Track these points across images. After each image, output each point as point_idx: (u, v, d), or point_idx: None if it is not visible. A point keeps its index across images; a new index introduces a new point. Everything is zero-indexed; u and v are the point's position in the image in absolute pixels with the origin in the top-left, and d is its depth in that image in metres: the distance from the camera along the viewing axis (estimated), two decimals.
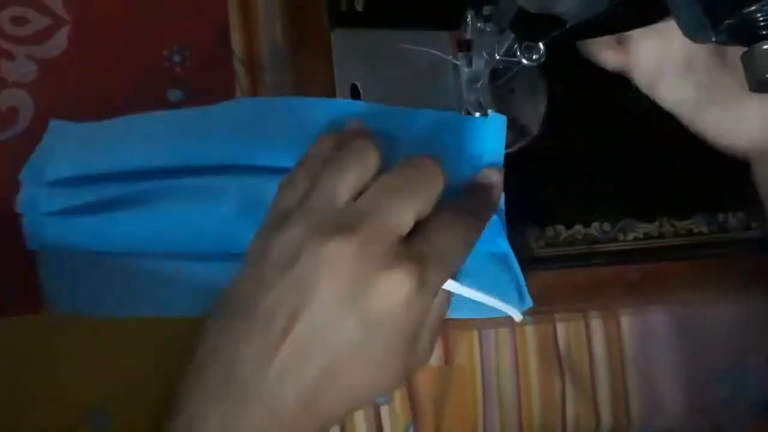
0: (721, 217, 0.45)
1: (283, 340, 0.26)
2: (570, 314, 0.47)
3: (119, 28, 0.48)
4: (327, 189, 0.28)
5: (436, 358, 0.47)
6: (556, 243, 0.43)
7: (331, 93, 0.42)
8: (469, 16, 0.38)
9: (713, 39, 0.24)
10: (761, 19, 0.22)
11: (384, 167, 0.29)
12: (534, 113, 0.44)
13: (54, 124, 0.35)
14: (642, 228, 0.44)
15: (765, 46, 0.22)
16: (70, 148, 0.34)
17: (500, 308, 0.32)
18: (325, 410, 0.28)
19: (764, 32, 0.22)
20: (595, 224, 0.43)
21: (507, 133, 0.42)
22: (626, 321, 0.49)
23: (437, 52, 0.41)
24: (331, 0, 0.42)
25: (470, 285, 0.30)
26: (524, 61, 0.33)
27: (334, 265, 0.26)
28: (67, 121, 0.35)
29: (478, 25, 0.38)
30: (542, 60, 0.33)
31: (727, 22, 0.22)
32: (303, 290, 0.26)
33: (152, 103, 0.48)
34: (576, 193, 0.44)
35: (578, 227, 0.43)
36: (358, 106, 0.35)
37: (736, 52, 0.25)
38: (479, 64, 0.40)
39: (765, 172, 0.37)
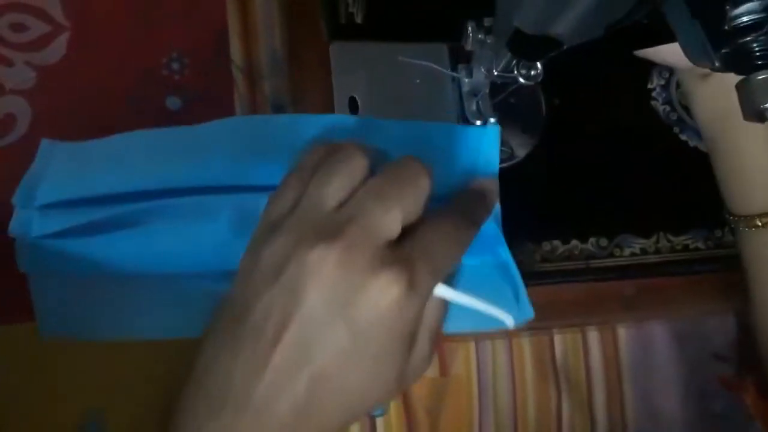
0: (717, 232, 0.45)
1: (272, 350, 0.26)
2: (564, 328, 0.47)
3: (118, 36, 0.48)
4: (313, 197, 0.28)
5: (432, 370, 0.47)
6: (552, 258, 0.43)
7: (329, 101, 0.42)
8: (470, 28, 0.38)
9: (715, 64, 0.24)
10: (757, 49, 0.22)
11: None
12: (532, 128, 0.44)
13: (45, 143, 0.35)
14: (639, 243, 0.44)
15: (761, 77, 0.22)
16: (62, 170, 0.34)
17: (495, 314, 0.31)
18: (319, 421, 0.27)
19: (760, 62, 0.22)
20: (592, 239, 0.43)
21: (504, 147, 0.43)
22: (623, 333, 0.49)
23: (436, 66, 0.41)
24: (330, 12, 0.42)
25: (465, 292, 0.30)
26: (521, 79, 0.33)
27: (319, 272, 0.26)
28: (58, 140, 0.35)
29: (479, 36, 0.37)
30: (539, 79, 0.33)
31: (724, 51, 0.22)
32: (290, 299, 0.26)
33: (151, 110, 0.48)
34: (573, 208, 0.44)
35: (575, 242, 0.43)
36: (351, 120, 0.35)
37: None
38: (479, 75, 0.39)
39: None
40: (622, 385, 0.49)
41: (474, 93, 0.39)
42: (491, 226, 0.33)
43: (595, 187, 0.44)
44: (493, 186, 0.34)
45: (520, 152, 0.43)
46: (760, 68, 0.22)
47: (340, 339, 0.26)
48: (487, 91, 0.37)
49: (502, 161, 0.42)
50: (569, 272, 0.43)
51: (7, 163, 0.44)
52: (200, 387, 0.27)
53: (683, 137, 0.47)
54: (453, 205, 0.31)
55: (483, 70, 0.37)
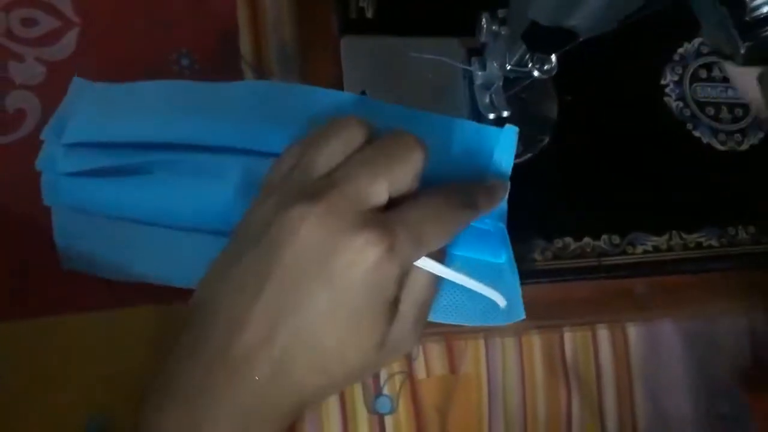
0: (731, 230, 0.44)
1: (251, 308, 0.26)
2: (575, 326, 0.47)
3: (128, 32, 0.48)
4: (305, 163, 0.28)
5: (441, 367, 0.46)
6: (564, 255, 0.42)
7: None
8: (484, 19, 0.37)
9: (741, 52, 0.23)
10: None
11: None
12: (544, 123, 0.43)
13: (77, 81, 0.37)
14: (651, 241, 0.43)
15: None
16: (88, 111, 0.35)
17: (484, 293, 0.31)
18: (295, 381, 0.27)
19: None
20: (604, 236, 0.43)
21: (517, 144, 0.42)
22: (633, 332, 0.48)
23: (449, 60, 0.40)
24: (341, 7, 0.42)
25: (455, 270, 0.29)
26: (536, 73, 0.32)
27: (298, 231, 0.26)
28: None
29: (493, 27, 0.37)
30: (554, 72, 0.33)
31: (747, 44, 0.22)
32: (269, 258, 0.26)
33: None
34: (585, 204, 0.43)
35: (587, 239, 0.43)
36: (367, 102, 0.35)
37: None
38: (492, 68, 0.39)
39: None
40: (632, 384, 0.49)
41: (487, 86, 0.39)
42: (497, 225, 0.33)
43: (607, 184, 0.44)
44: (503, 181, 0.34)
45: (532, 148, 0.43)
46: None
47: (316, 297, 0.26)
48: (501, 84, 0.37)
49: (514, 157, 0.42)
50: (581, 269, 0.42)
51: (18, 157, 0.43)
52: (178, 343, 0.28)
53: (696, 134, 0.46)
54: (451, 185, 0.31)
55: (496, 64, 0.37)
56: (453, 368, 0.47)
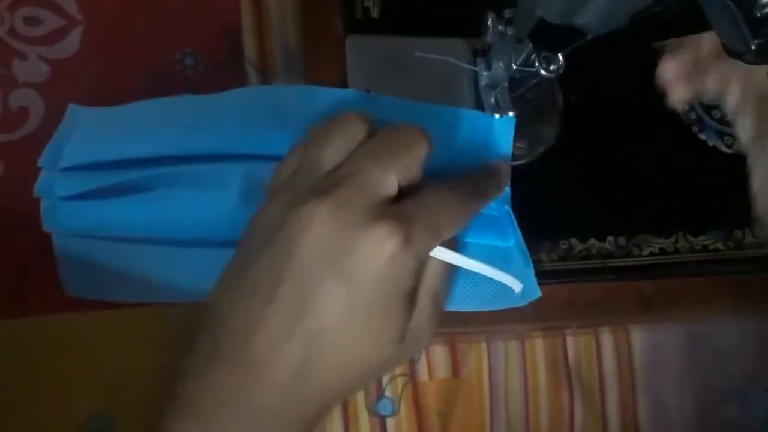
0: (738, 233, 0.44)
1: (265, 308, 0.26)
2: (580, 328, 0.47)
3: (131, 31, 0.48)
4: (310, 161, 0.28)
5: (443, 371, 0.46)
6: (569, 257, 0.42)
7: None
8: (490, 19, 0.37)
9: (752, 48, 0.23)
10: None
11: None
12: (549, 124, 0.43)
13: (71, 108, 0.37)
14: (657, 243, 0.43)
15: None
16: (85, 134, 0.35)
17: (499, 279, 0.31)
18: (316, 382, 0.27)
19: None
20: (610, 238, 0.43)
21: (521, 144, 0.42)
22: (637, 336, 0.48)
23: (454, 60, 0.40)
24: (346, 6, 0.42)
25: (468, 256, 0.29)
26: (543, 72, 0.32)
27: (310, 228, 0.25)
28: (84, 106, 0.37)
29: (499, 27, 0.37)
30: (561, 71, 0.32)
31: (757, 41, 0.22)
32: (283, 257, 0.26)
33: None
34: (591, 206, 0.43)
35: (592, 241, 0.42)
36: (367, 97, 0.35)
37: None
38: (498, 68, 0.39)
39: None
40: (635, 388, 0.48)
41: (492, 86, 0.39)
42: (502, 209, 0.33)
43: (613, 186, 0.43)
44: (504, 166, 0.34)
45: (538, 149, 0.43)
46: None
47: (333, 294, 0.25)
48: (506, 84, 0.37)
49: (519, 158, 0.42)
50: (587, 271, 0.42)
51: (21, 155, 0.43)
52: (191, 352, 0.27)
53: (702, 137, 0.46)
54: (462, 176, 0.31)
55: (501, 64, 0.37)
56: (456, 371, 0.46)
